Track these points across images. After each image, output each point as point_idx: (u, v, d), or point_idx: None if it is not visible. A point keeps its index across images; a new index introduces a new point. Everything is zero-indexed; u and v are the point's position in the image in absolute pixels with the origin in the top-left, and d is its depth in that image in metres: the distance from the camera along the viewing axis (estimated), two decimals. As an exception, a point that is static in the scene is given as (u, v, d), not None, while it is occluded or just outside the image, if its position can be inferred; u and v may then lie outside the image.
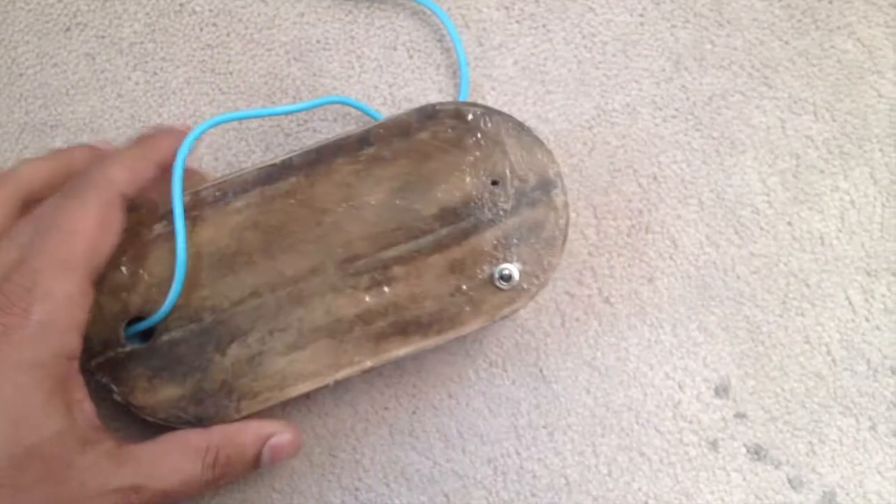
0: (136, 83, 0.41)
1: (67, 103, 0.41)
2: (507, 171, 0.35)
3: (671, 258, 0.39)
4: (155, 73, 0.41)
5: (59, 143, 0.41)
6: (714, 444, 0.38)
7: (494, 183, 0.35)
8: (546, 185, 0.35)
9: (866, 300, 0.39)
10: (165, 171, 0.34)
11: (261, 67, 0.41)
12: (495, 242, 0.35)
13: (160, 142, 0.34)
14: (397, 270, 0.35)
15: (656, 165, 0.40)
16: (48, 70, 0.41)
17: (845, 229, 0.39)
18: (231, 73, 0.41)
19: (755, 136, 0.40)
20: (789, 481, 0.38)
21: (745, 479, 0.38)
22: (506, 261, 0.35)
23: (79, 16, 0.42)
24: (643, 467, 0.38)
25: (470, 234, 0.35)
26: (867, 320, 0.39)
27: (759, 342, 0.39)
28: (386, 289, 0.35)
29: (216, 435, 0.33)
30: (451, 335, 0.35)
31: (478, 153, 0.35)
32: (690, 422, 0.38)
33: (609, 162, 0.40)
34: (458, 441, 0.38)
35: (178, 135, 0.34)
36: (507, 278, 0.34)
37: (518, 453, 0.38)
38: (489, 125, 0.35)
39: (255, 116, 0.38)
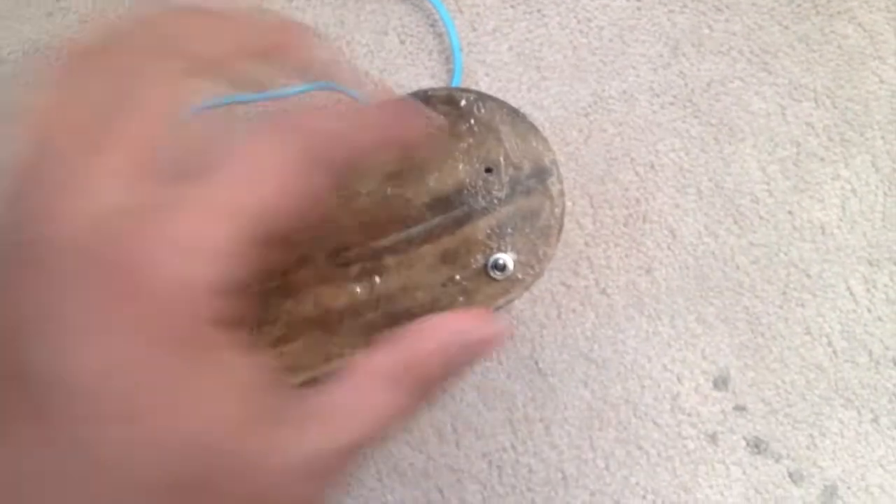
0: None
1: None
2: (502, 159, 0.34)
3: (669, 248, 0.39)
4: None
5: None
6: (713, 438, 0.37)
7: (488, 171, 0.34)
8: (541, 173, 0.34)
9: (868, 290, 0.38)
10: None
11: (249, 53, 0.40)
12: (489, 231, 0.34)
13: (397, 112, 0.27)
14: (389, 260, 0.34)
15: (654, 153, 0.39)
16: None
17: (846, 218, 0.39)
18: (218, 59, 0.40)
19: (754, 123, 0.39)
20: (790, 475, 0.37)
21: (744, 472, 0.37)
22: (500, 250, 0.34)
23: (62, 0, 0.41)
24: (641, 461, 0.37)
25: (463, 223, 0.34)
26: (869, 311, 0.38)
27: (759, 333, 0.38)
28: (377, 279, 0.34)
29: (397, 353, 0.25)
30: None
31: (471, 140, 0.34)
32: (689, 415, 0.38)
33: (606, 150, 0.39)
34: (452, 435, 0.38)
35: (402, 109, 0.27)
36: (502, 268, 0.34)
37: (514, 447, 0.38)
38: (483, 111, 0.35)
39: (243, 101, 0.37)
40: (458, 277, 0.34)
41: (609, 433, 0.38)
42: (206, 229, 0.22)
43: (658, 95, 0.40)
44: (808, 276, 0.38)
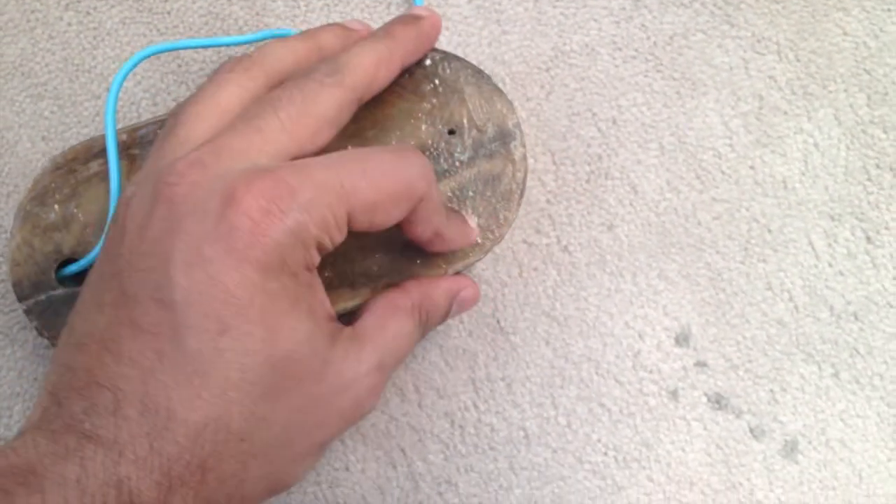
0: (69, 24, 0.39)
1: (-5, 46, 0.39)
2: (465, 121, 0.34)
3: (631, 205, 0.38)
4: (88, 13, 0.39)
5: (-13, 89, 0.38)
6: (674, 394, 0.37)
7: (451, 132, 0.34)
8: (504, 137, 0.34)
9: (829, 245, 0.38)
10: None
11: (200, 6, 0.39)
12: (450, 194, 0.34)
13: (404, 32, 0.33)
14: None
15: (616, 109, 0.39)
16: (-27, 10, 0.39)
17: (809, 173, 0.38)
18: (169, 13, 0.39)
19: (717, 76, 0.39)
20: (751, 430, 0.37)
21: (705, 428, 0.37)
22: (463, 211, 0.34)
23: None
24: (603, 418, 0.37)
25: None
26: (830, 266, 0.38)
27: (721, 289, 0.38)
28: None
29: (415, 293, 0.33)
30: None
31: (435, 100, 0.34)
32: (650, 371, 0.37)
33: (567, 105, 0.39)
34: (414, 395, 0.37)
35: (420, 26, 0.33)
36: None
37: (476, 406, 0.37)
38: (448, 72, 0.34)
39: (195, 47, 0.36)
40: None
41: (571, 391, 0.37)
42: (324, 202, 0.27)
43: (620, 49, 0.39)
44: (770, 231, 0.38)
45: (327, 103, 0.30)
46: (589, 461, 0.37)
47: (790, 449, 0.37)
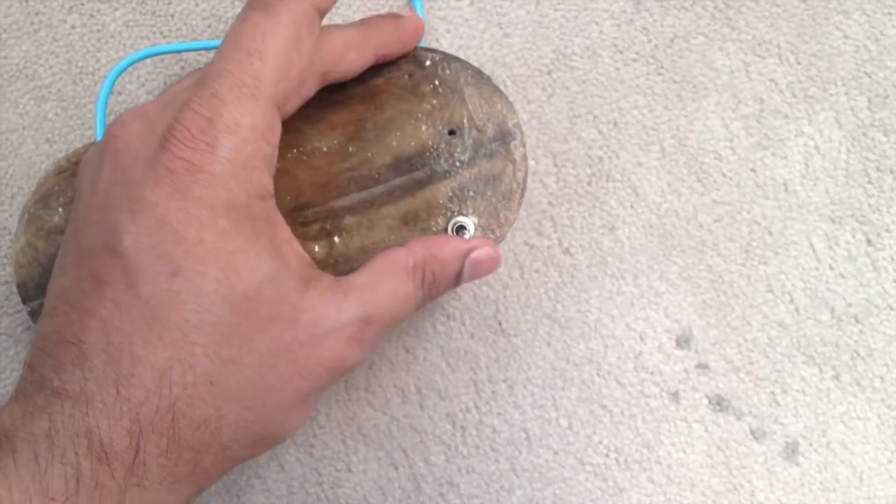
0: (73, 26, 0.39)
1: (0, 48, 0.39)
2: (465, 121, 0.34)
3: (632, 207, 0.38)
4: (92, 16, 0.39)
5: (-9, 91, 0.39)
6: (675, 396, 0.37)
7: (451, 133, 0.34)
8: (505, 137, 0.34)
9: (830, 248, 0.38)
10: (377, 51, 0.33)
11: (203, 9, 0.39)
12: (450, 195, 0.34)
13: (381, 22, 0.33)
14: (348, 220, 0.33)
15: (617, 111, 0.39)
16: (-22, 13, 0.39)
17: (809, 175, 0.39)
18: (172, 16, 0.39)
19: (718, 79, 0.39)
20: (752, 432, 0.37)
21: (706, 430, 0.37)
22: (461, 213, 0.34)
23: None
24: (604, 420, 0.37)
25: (424, 185, 0.34)
26: (831, 268, 0.38)
27: (722, 292, 0.38)
28: (336, 239, 0.33)
29: (419, 251, 0.31)
30: None
31: (435, 101, 0.34)
32: (652, 373, 0.38)
33: (569, 108, 0.39)
34: (415, 396, 0.37)
35: (400, 21, 0.34)
36: (462, 231, 0.33)
37: (477, 408, 0.38)
38: (448, 72, 0.34)
39: (192, 49, 0.36)
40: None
41: (572, 392, 0.38)
42: (239, 111, 0.26)
43: (621, 52, 0.39)
44: (771, 233, 0.38)
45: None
46: (590, 462, 0.37)
47: (791, 451, 0.37)
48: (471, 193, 0.34)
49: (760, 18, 0.39)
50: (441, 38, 0.39)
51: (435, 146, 0.34)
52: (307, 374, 0.28)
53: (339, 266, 0.33)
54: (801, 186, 0.38)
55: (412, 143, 0.34)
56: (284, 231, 0.28)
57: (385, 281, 0.30)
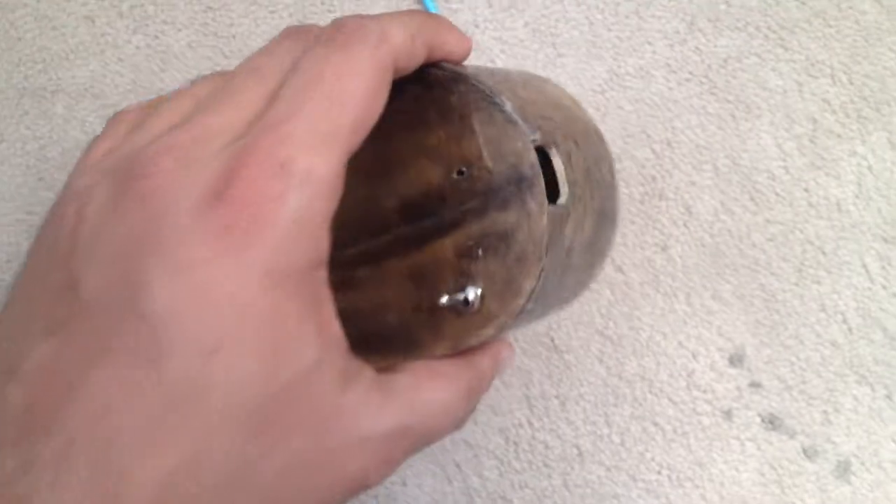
0: (137, 47, 0.40)
1: (67, 68, 0.40)
2: (473, 159, 0.26)
3: (685, 225, 0.39)
4: (156, 37, 0.40)
5: (59, 109, 0.40)
6: (728, 414, 0.38)
7: (460, 173, 0.26)
8: (520, 182, 0.25)
9: (883, 268, 0.38)
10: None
11: (264, 31, 0.40)
12: (458, 250, 0.26)
13: (430, 19, 0.26)
14: (362, 272, 0.28)
15: (670, 131, 0.39)
16: (47, 33, 0.40)
17: (862, 195, 0.39)
18: (234, 37, 0.40)
19: (771, 99, 0.39)
20: (804, 451, 0.38)
21: (759, 448, 0.38)
22: (469, 275, 0.26)
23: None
24: (656, 437, 0.38)
25: (431, 237, 0.27)
26: (884, 288, 0.38)
27: (775, 311, 0.38)
28: (350, 292, 0.28)
29: (460, 361, 0.27)
30: (413, 357, 0.27)
31: (441, 133, 0.27)
32: (704, 391, 0.38)
33: (622, 127, 0.39)
34: (468, 411, 0.38)
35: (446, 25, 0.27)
36: (466, 301, 0.26)
37: (530, 423, 0.38)
38: (454, 97, 0.26)
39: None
40: (424, 304, 0.27)
41: (624, 409, 0.38)
42: (315, 159, 0.21)
43: (674, 72, 0.40)
44: (824, 253, 0.38)
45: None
46: (643, 479, 0.38)
47: (843, 470, 0.37)
48: (480, 252, 0.26)
49: (813, 39, 0.40)
50: (496, 57, 0.40)
51: (441, 189, 0.27)
52: (324, 491, 0.23)
53: (357, 320, 0.26)
54: (853, 206, 0.39)
55: (418, 185, 0.27)
56: (329, 309, 0.23)
57: (428, 385, 0.25)
